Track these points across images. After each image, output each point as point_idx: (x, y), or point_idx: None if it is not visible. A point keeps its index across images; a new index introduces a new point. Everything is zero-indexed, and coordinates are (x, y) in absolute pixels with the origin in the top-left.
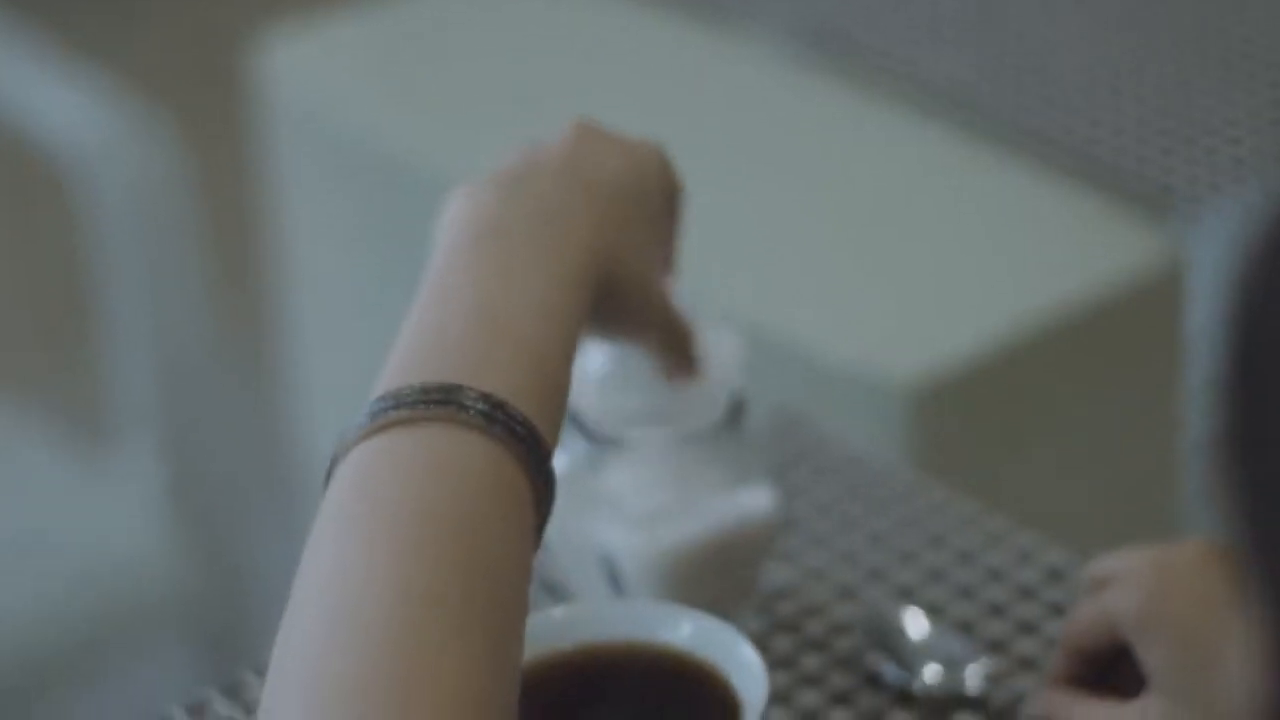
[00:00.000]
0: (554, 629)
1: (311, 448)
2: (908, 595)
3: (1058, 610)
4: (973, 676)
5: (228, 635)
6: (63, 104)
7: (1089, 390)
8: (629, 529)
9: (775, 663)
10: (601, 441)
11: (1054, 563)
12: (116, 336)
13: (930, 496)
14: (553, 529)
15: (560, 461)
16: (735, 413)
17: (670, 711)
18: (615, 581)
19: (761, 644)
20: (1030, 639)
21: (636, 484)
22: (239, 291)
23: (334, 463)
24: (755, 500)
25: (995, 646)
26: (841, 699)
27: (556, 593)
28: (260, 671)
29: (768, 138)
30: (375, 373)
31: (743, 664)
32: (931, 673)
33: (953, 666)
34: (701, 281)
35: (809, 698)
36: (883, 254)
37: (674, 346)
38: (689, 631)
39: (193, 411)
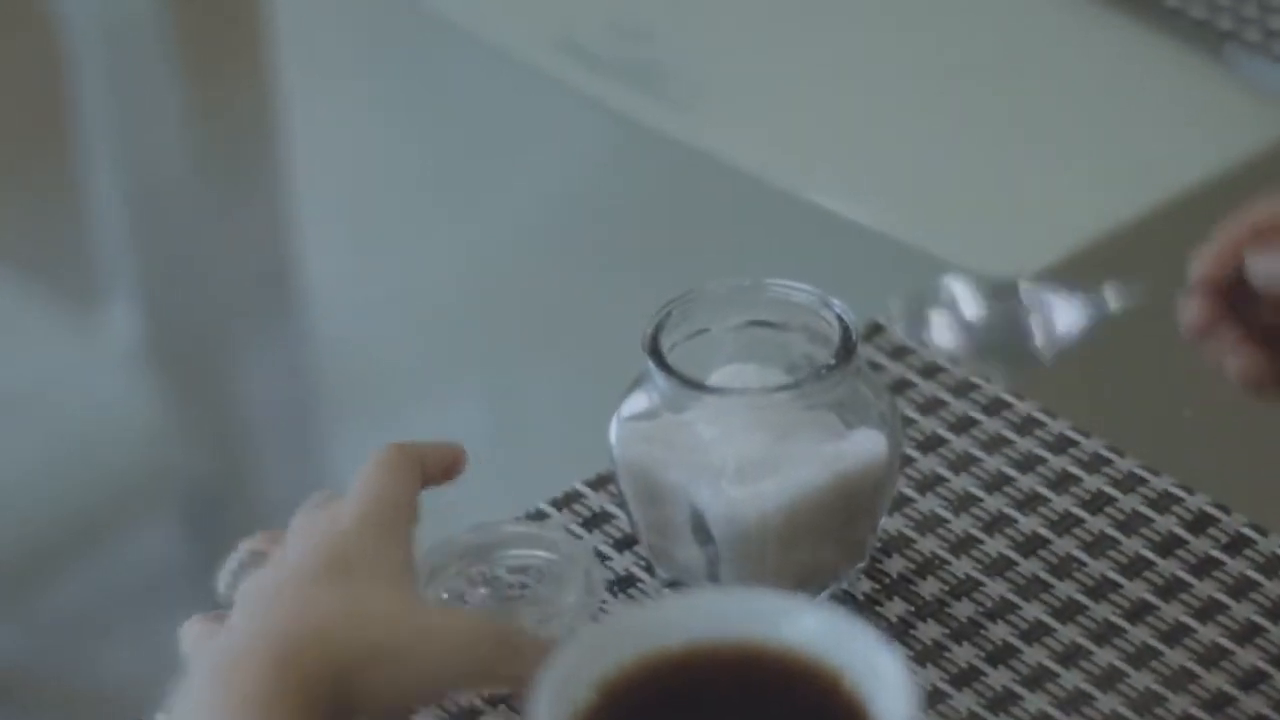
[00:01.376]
0: (657, 625)
1: (305, 282)
2: (1037, 544)
3: (1208, 570)
4: None
5: (219, 494)
6: None
7: None
8: (719, 482)
9: (888, 631)
10: (688, 382)
11: (1199, 507)
12: (94, 177)
13: (1055, 429)
14: (632, 483)
15: (642, 401)
16: (846, 347)
17: None
18: (706, 544)
19: (873, 612)
20: (1179, 600)
21: (728, 429)
22: (223, 124)
23: None
24: (866, 444)
25: (1135, 606)
26: (964, 678)
27: (641, 562)
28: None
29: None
30: (368, 208)
31: (882, 676)
32: None
33: None
34: (789, 174)
35: (927, 676)
36: (984, 142)
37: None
38: (816, 629)
39: (175, 252)
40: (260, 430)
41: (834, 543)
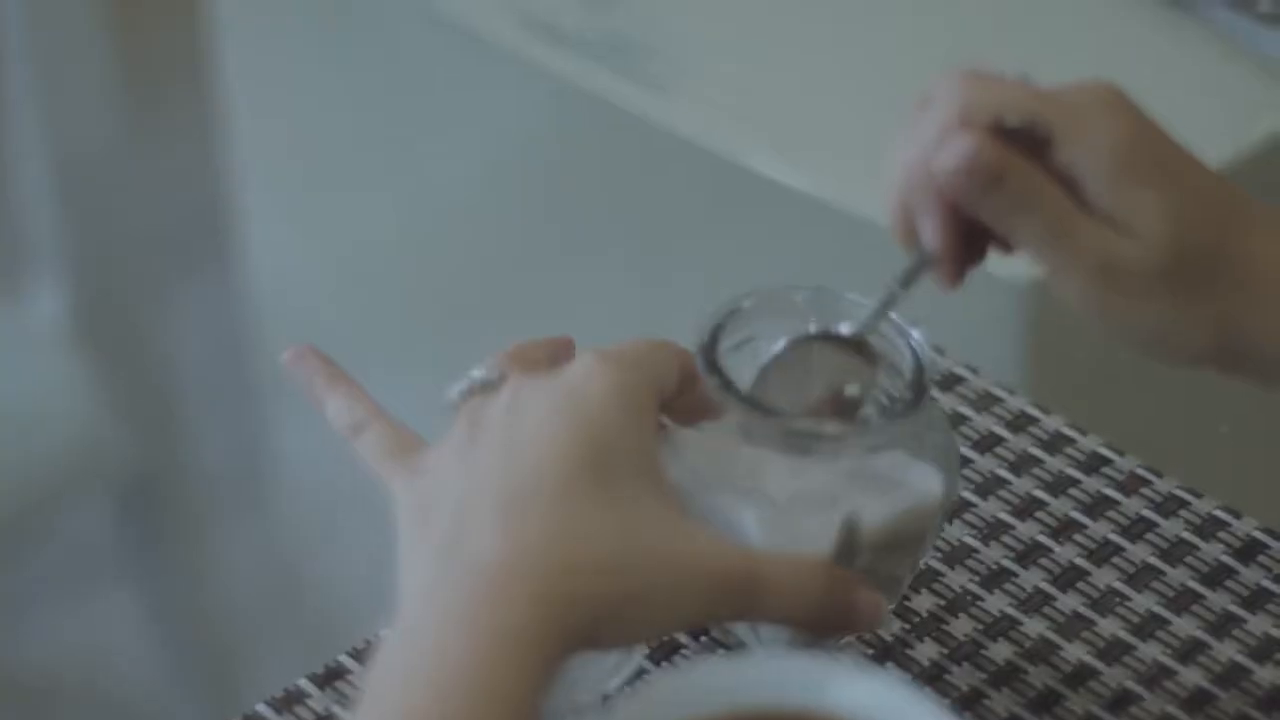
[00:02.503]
0: (698, 692)
1: (239, 253)
2: (1072, 578)
3: (1261, 603)
4: None
5: (153, 472)
6: None
7: None
8: (770, 511)
9: (919, 676)
10: (763, 409)
11: (1246, 532)
12: (16, 149)
13: (1087, 447)
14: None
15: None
16: (918, 387)
17: None
18: None
19: (904, 655)
20: (1232, 636)
21: (787, 455)
22: (153, 91)
23: None
24: (923, 482)
25: (1188, 645)
26: None
27: None
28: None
29: None
30: (305, 178)
31: None
32: None
33: None
34: (755, 151)
35: None
36: None
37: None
38: (869, 698)
39: (103, 225)
40: (194, 405)
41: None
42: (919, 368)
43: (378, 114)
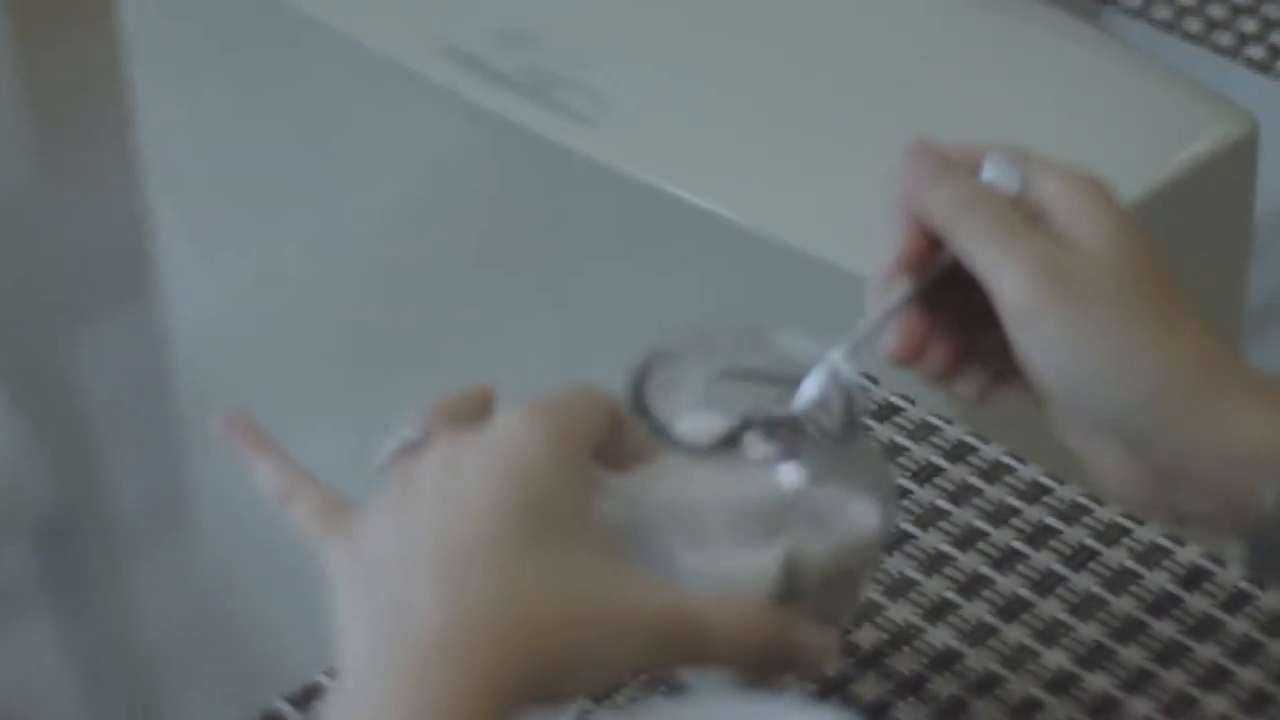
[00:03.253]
0: None
1: (157, 286)
2: (1014, 610)
3: (1209, 632)
4: None
5: (71, 514)
6: None
7: None
8: (709, 547)
9: (863, 712)
10: (689, 448)
11: (1190, 560)
12: None
13: (1027, 476)
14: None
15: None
16: (849, 424)
17: None
18: None
19: (847, 691)
20: (1180, 665)
21: (718, 489)
22: (69, 123)
23: None
24: (861, 516)
25: (1135, 675)
26: None
27: None
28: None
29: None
30: (223, 210)
31: None
32: None
33: None
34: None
35: None
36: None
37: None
38: None
39: (16, 261)
40: (113, 442)
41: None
42: (849, 401)
43: (296, 147)
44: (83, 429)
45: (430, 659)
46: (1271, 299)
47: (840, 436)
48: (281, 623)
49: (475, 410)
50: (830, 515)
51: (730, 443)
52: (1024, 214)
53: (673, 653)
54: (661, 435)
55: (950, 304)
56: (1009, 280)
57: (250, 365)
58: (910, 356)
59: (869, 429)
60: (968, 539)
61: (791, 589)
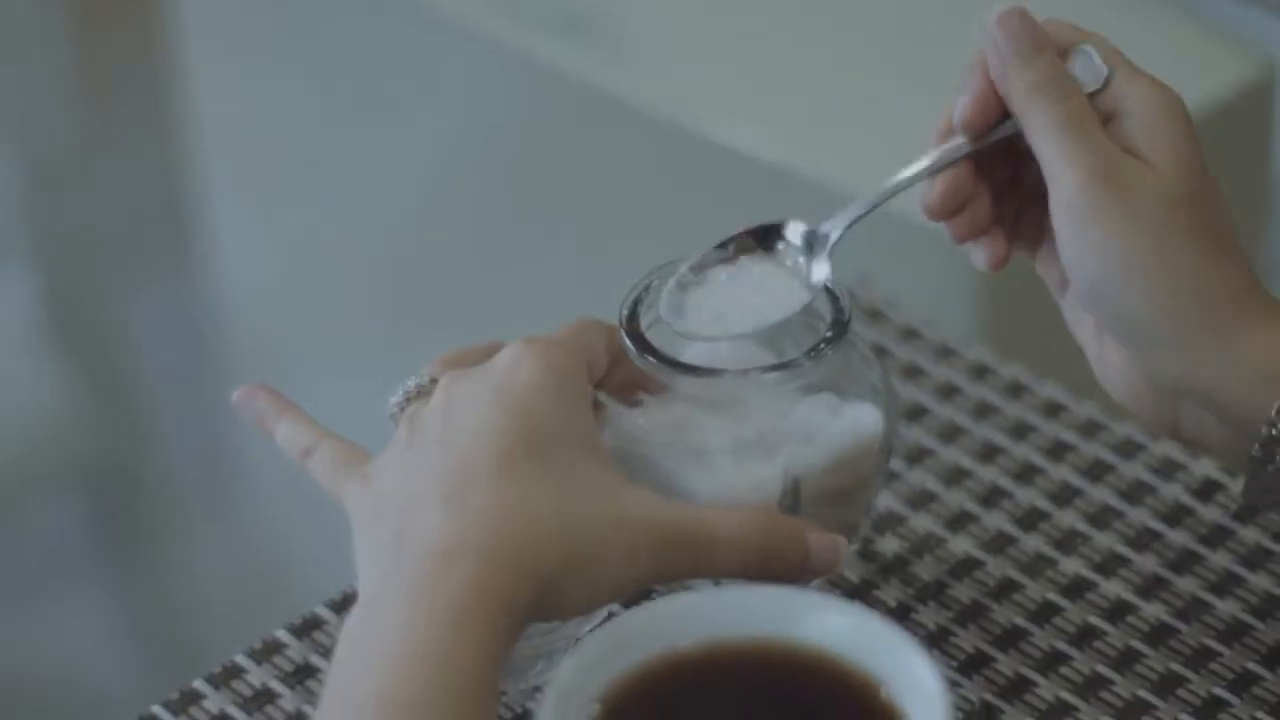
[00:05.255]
0: (670, 623)
1: (204, 247)
2: (1036, 519)
3: (1221, 540)
4: None
5: (121, 466)
6: None
7: None
8: (713, 467)
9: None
10: (678, 366)
11: (1204, 474)
12: None
13: (1043, 394)
14: (628, 469)
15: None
16: (838, 324)
17: None
18: None
19: (870, 596)
20: (1192, 573)
21: (719, 411)
22: (116, 86)
23: None
24: (862, 420)
25: (1146, 584)
26: (974, 664)
27: None
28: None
29: None
30: (269, 169)
31: (915, 682)
32: None
33: None
34: (715, 122)
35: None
36: (913, 90)
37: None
38: (842, 629)
39: (69, 220)
40: (160, 400)
41: (832, 525)
42: (837, 305)
43: (335, 99)
44: (131, 386)
45: (435, 570)
46: None
47: (832, 338)
48: (326, 577)
49: (480, 358)
50: (830, 421)
51: (723, 356)
52: (1100, 111)
53: (676, 559)
54: (657, 358)
55: (995, 169)
56: (1069, 177)
57: (297, 320)
58: (950, 212)
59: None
60: (988, 454)
61: (796, 501)
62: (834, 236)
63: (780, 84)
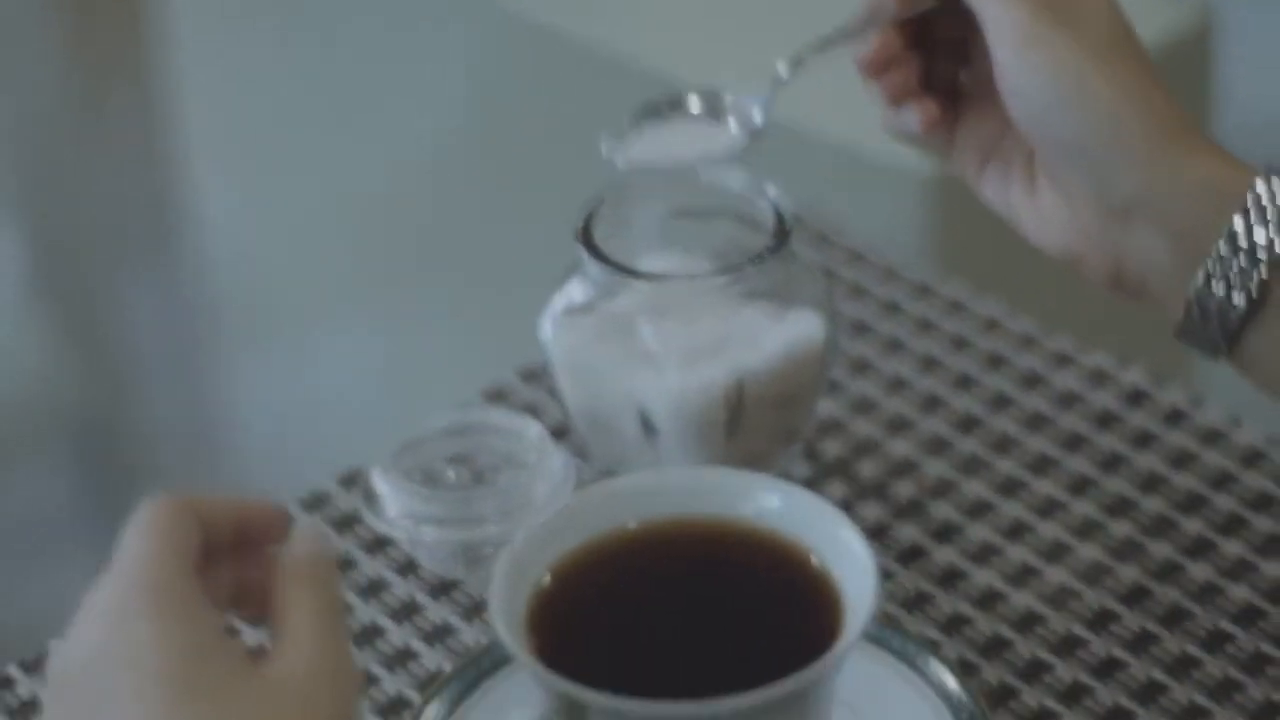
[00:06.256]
0: (614, 503)
1: (192, 206)
2: (971, 425)
3: (1147, 444)
4: None
5: (108, 425)
6: None
7: None
8: (662, 371)
9: None
10: (625, 270)
11: (1133, 383)
12: None
13: (982, 311)
14: (570, 376)
15: (574, 294)
16: (780, 233)
17: (755, 603)
18: (650, 434)
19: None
20: (1119, 474)
21: (663, 319)
22: (103, 46)
23: None
24: (804, 327)
25: (1076, 481)
26: (910, 555)
27: (591, 462)
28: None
29: None
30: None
31: (846, 551)
32: None
33: None
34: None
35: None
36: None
37: None
38: (777, 506)
39: (57, 180)
40: (148, 360)
41: (776, 426)
42: (778, 215)
43: (320, 66)
44: (118, 347)
45: None
46: None
47: (774, 246)
48: None
49: None
50: (772, 331)
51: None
52: None
53: None
54: (615, 270)
55: (937, 35)
56: (1013, 13)
57: (280, 284)
58: (875, 70)
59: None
60: (927, 366)
61: (740, 405)
62: (768, 99)
63: (764, 37)
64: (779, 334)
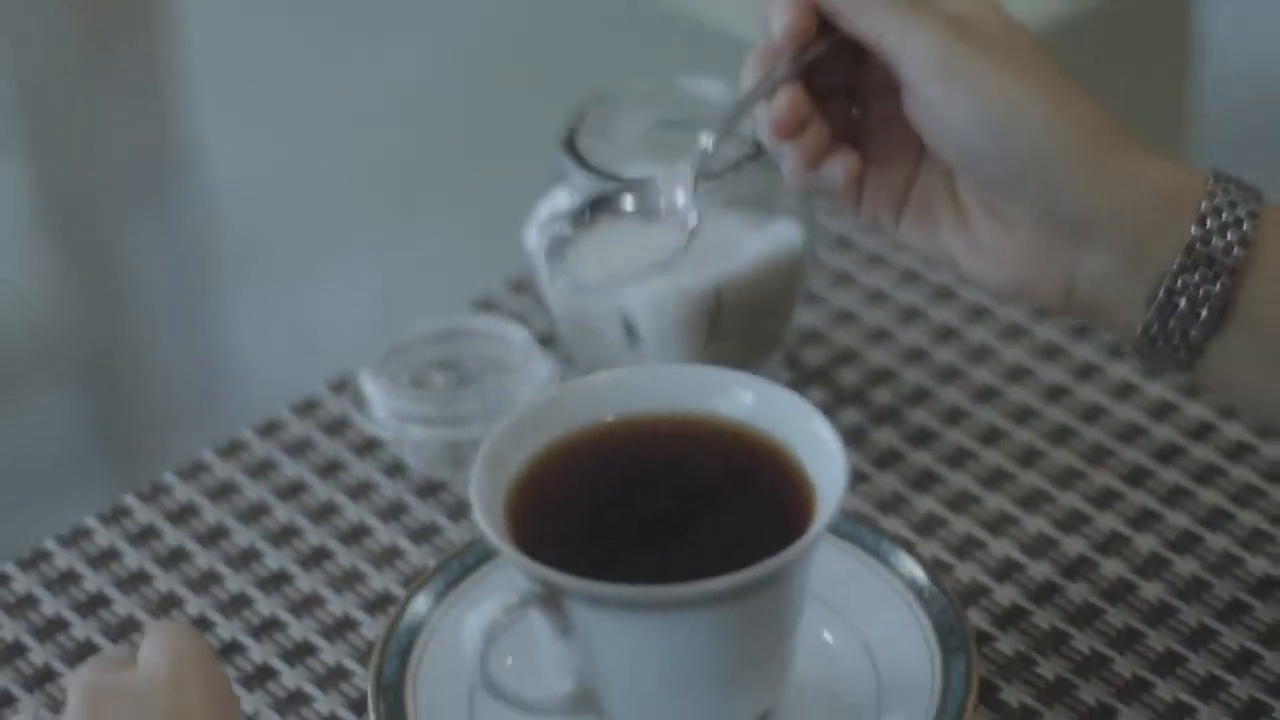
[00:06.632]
0: (593, 398)
1: (194, 141)
2: (949, 335)
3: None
4: None
5: (111, 358)
6: None
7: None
8: (643, 278)
9: None
10: (608, 177)
11: None
12: None
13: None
14: (554, 284)
15: (559, 202)
16: (760, 142)
17: (729, 495)
18: (632, 337)
19: None
20: (1091, 382)
21: (648, 225)
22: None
23: None
24: (784, 234)
25: (1050, 389)
26: (887, 459)
27: (576, 367)
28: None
29: None
30: (256, 66)
31: (817, 442)
32: None
33: None
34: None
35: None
36: None
37: None
38: (751, 401)
39: (63, 113)
40: (151, 289)
41: (755, 332)
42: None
43: (326, 18)
44: (122, 283)
45: None
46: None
47: (753, 155)
48: None
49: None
50: (751, 239)
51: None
52: None
53: None
54: (599, 177)
55: (824, 85)
56: (920, 39)
57: (283, 216)
58: (792, 131)
59: None
60: (907, 278)
61: (719, 311)
62: (690, 177)
63: None
64: (758, 242)
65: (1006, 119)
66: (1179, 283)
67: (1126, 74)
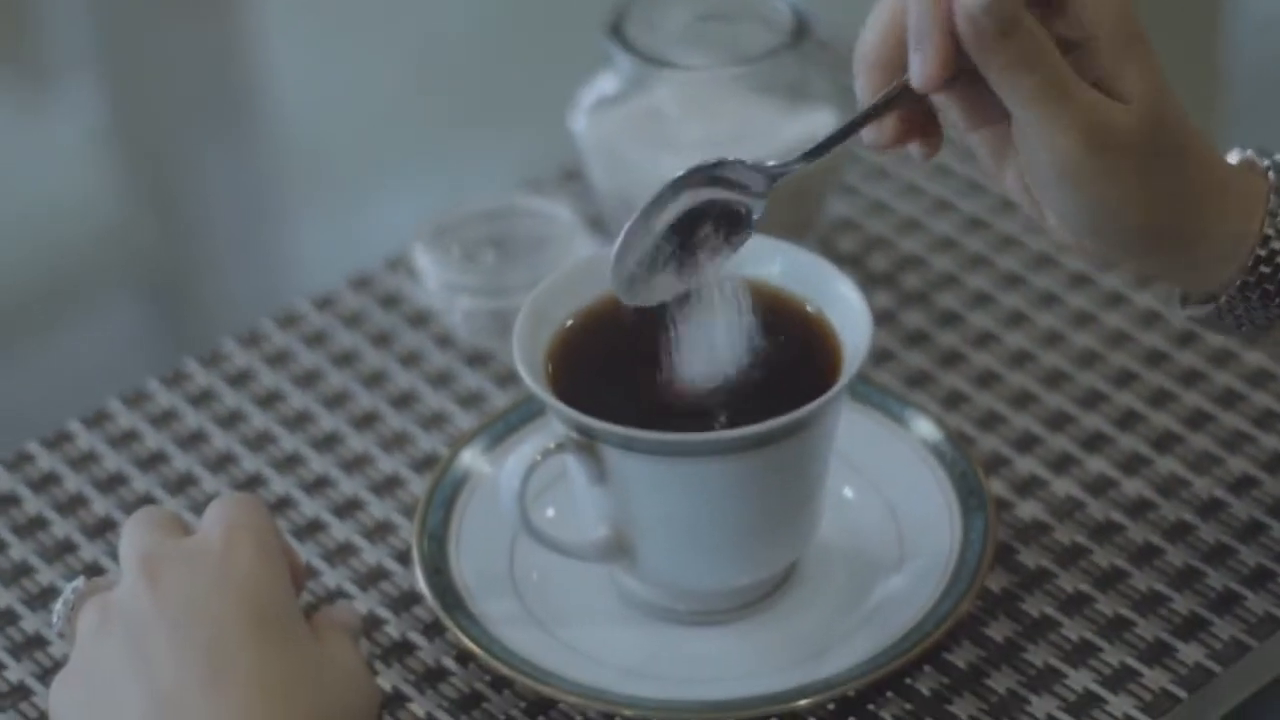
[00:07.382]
0: None
1: (263, 66)
2: (978, 225)
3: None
4: None
5: (175, 279)
6: None
7: None
8: (684, 156)
9: None
10: (652, 59)
11: None
12: None
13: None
14: (601, 161)
15: (605, 87)
16: (798, 31)
17: (759, 353)
18: None
19: None
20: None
21: (688, 110)
22: None
23: None
24: (819, 123)
25: (1074, 277)
26: (915, 339)
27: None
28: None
29: None
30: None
31: (842, 302)
32: None
33: None
34: None
35: (879, 338)
36: None
37: None
38: (780, 265)
39: (134, 36)
40: (219, 215)
41: (789, 217)
42: (795, 14)
43: None
44: (190, 203)
45: None
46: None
47: (790, 43)
48: None
49: (170, 532)
50: (787, 125)
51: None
52: (1061, 40)
53: None
54: (643, 60)
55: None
56: (1058, 143)
57: (344, 139)
58: (894, 147)
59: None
60: (937, 173)
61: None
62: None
63: None
64: (793, 127)
65: (1113, 222)
66: (1256, 281)
67: (1154, 26)
